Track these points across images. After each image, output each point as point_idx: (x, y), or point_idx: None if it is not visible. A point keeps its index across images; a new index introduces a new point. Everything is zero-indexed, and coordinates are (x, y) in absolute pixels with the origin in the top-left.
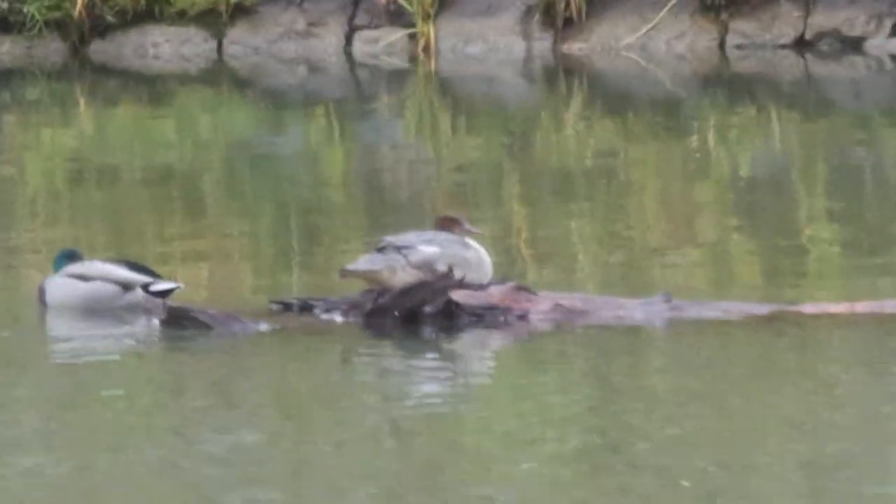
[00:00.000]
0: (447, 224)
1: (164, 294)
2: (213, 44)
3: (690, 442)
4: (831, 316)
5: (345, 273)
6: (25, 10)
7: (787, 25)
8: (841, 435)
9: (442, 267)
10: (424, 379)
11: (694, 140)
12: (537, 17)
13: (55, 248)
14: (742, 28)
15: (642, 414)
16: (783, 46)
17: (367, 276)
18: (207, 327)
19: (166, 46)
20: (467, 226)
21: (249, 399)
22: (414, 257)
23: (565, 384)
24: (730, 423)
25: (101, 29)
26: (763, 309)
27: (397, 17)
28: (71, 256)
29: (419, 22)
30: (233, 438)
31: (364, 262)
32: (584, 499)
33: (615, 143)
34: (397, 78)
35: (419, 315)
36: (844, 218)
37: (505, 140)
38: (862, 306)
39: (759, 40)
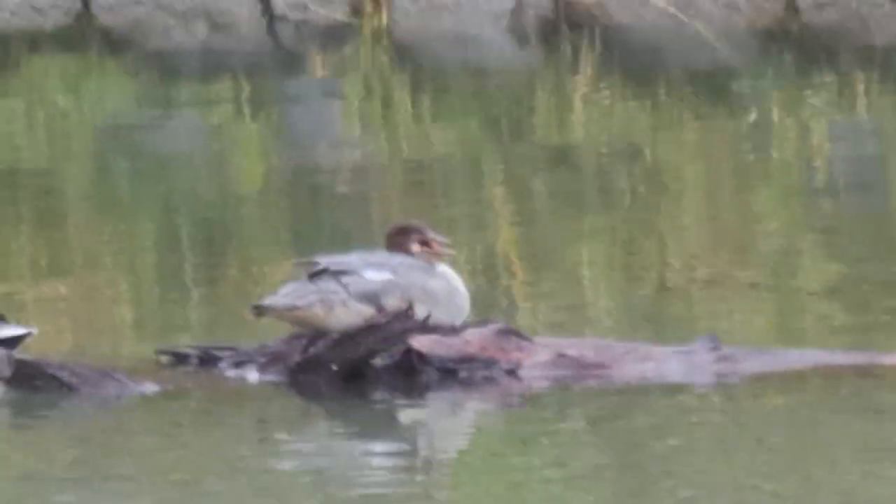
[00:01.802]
0: (402, 239)
1: (10, 343)
2: None
3: None
4: None
5: (260, 310)
6: None
7: None
8: None
9: (397, 301)
10: (373, 462)
11: (750, 124)
12: None
13: None
14: None
15: None
16: None
17: (293, 314)
18: (70, 388)
19: None
20: (431, 235)
21: (125, 490)
22: (358, 287)
23: (571, 470)
24: None
25: None
26: (846, 358)
27: None
28: None
29: None
30: None
31: (288, 294)
32: None
33: (640, 131)
34: (334, 38)
35: (366, 370)
36: None
37: (486, 126)
38: None
39: None
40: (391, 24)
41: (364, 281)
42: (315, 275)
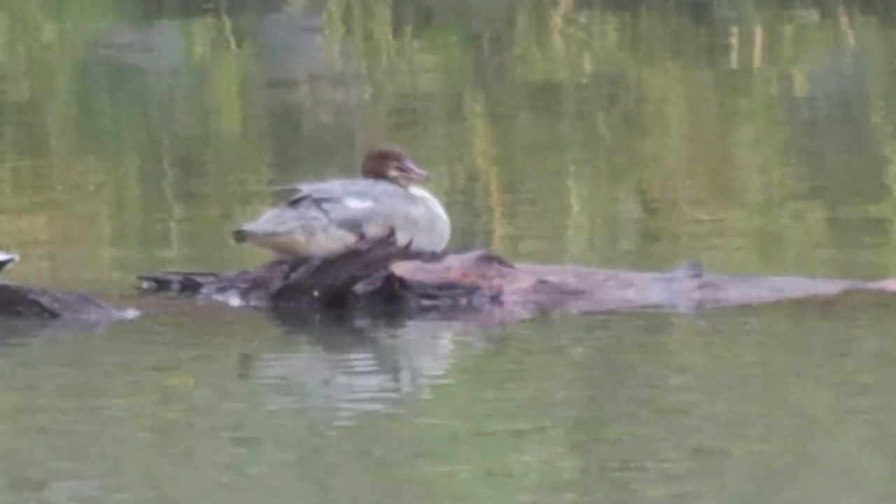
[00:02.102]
0: (380, 164)
1: None
2: None
3: (720, 474)
4: None
5: (242, 236)
6: None
7: None
8: None
9: (378, 229)
10: (353, 386)
11: (733, 54)
12: None
13: None
14: None
15: (655, 435)
16: None
17: (274, 240)
18: (52, 314)
19: None
20: (409, 164)
21: (110, 414)
22: (339, 214)
23: (551, 393)
24: (781, 443)
25: None
26: (829, 286)
27: None
28: None
29: None
30: (87, 471)
31: (269, 220)
32: None
33: (622, 57)
34: None
35: (347, 296)
36: None
37: (467, 49)
38: None
39: None
40: None
41: (346, 208)
42: (296, 202)
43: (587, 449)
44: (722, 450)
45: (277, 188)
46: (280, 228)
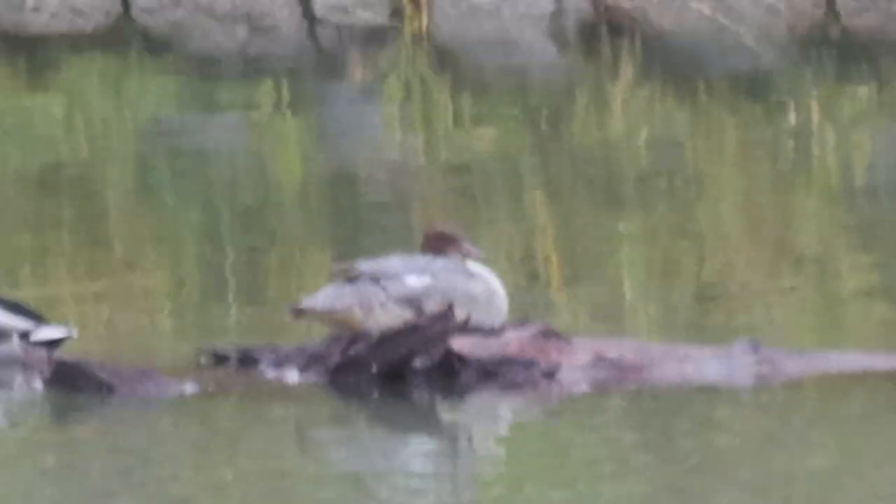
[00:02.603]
0: (439, 243)
1: (50, 344)
2: None
3: None
4: None
5: (300, 312)
6: None
7: None
8: None
9: (437, 305)
10: (413, 461)
11: (791, 128)
12: None
13: None
14: None
15: None
16: None
17: (332, 316)
18: (109, 389)
19: None
20: (466, 246)
21: (170, 491)
22: (397, 290)
23: (612, 470)
24: None
25: None
26: (887, 362)
27: None
28: None
29: None
30: None
31: (327, 296)
32: None
33: (681, 134)
34: (375, 40)
35: (406, 372)
36: None
37: (526, 130)
38: None
39: None
40: (432, 27)
41: (403, 284)
42: (354, 279)
43: None
44: None
45: (336, 266)
46: (338, 305)
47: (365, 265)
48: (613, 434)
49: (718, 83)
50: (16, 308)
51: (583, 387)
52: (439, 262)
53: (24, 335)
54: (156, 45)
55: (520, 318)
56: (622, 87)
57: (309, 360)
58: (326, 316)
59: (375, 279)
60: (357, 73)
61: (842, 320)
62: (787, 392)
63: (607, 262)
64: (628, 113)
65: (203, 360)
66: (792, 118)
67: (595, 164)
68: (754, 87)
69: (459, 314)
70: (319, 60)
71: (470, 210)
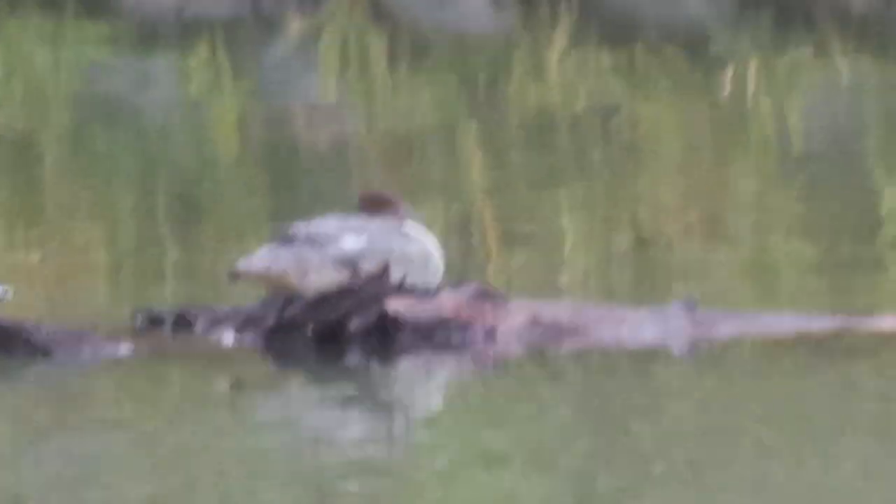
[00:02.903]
0: (375, 205)
1: None
2: None
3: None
4: None
5: (236, 274)
6: None
7: None
8: None
9: (373, 265)
10: (347, 423)
11: (728, 87)
12: None
13: None
14: None
15: (648, 479)
16: None
17: (268, 278)
18: (44, 352)
19: None
20: (401, 208)
21: (102, 454)
22: (333, 252)
23: (543, 433)
24: (773, 492)
25: None
26: (824, 323)
27: None
28: None
29: None
30: None
31: (263, 258)
32: None
33: (618, 91)
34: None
35: (342, 333)
36: None
37: (462, 85)
38: None
39: None
40: None
41: (340, 245)
42: (290, 240)
43: (578, 492)
44: (709, 495)
45: (273, 226)
46: (273, 267)
47: (301, 227)
48: (549, 395)
49: (656, 41)
50: None
51: (519, 348)
52: (375, 224)
53: None
54: (91, 5)
55: (456, 279)
56: (559, 44)
57: (245, 322)
58: (262, 278)
59: (311, 241)
60: (295, 25)
61: (778, 283)
62: (722, 353)
63: (544, 226)
64: (565, 74)
65: (139, 321)
66: (729, 75)
67: (532, 125)
68: (691, 44)
69: (395, 275)
70: (256, 12)
71: (406, 172)
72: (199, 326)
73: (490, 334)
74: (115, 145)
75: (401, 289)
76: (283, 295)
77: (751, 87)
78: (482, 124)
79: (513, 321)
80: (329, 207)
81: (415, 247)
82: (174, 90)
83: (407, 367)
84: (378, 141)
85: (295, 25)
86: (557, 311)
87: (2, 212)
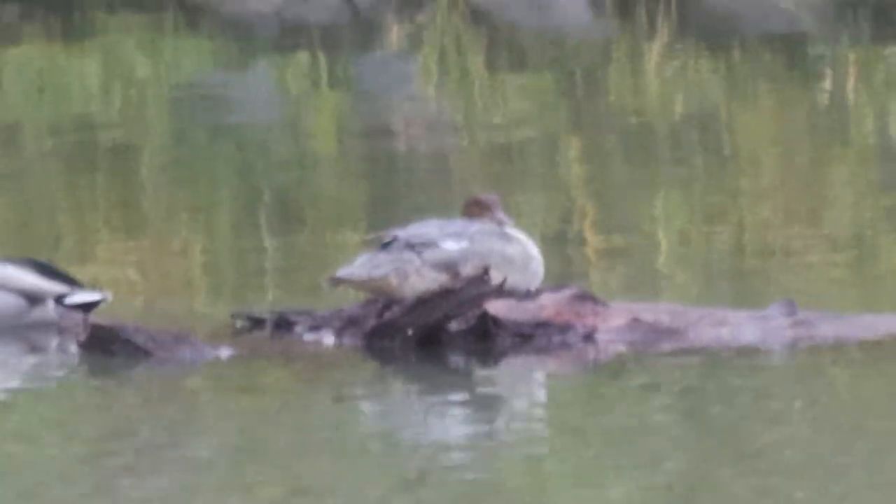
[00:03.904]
0: (475, 209)
1: (85, 308)
2: None
3: None
4: None
5: (336, 281)
6: None
7: None
8: None
9: (472, 268)
10: (449, 425)
11: (827, 90)
12: None
13: None
14: None
15: (753, 477)
16: None
17: (368, 284)
18: (145, 353)
19: None
20: (500, 215)
21: (205, 454)
22: (433, 256)
23: (646, 432)
24: (881, 491)
25: None
26: None
27: None
28: None
29: None
30: None
31: (363, 265)
32: None
33: (716, 95)
34: (411, 4)
35: (442, 335)
36: None
37: (562, 90)
38: None
39: None
40: None
41: (439, 249)
42: (389, 245)
43: (678, 492)
44: (809, 498)
45: (373, 235)
46: (374, 273)
47: (400, 231)
48: (649, 397)
49: (754, 44)
50: (50, 272)
51: (619, 350)
52: (475, 226)
53: (59, 299)
54: (191, 7)
55: (556, 282)
56: (657, 49)
57: (345, 324)
58: (363, 284)
59: (410, 245)
60: (393, 37)
61: (879, 283)
62: (824, 355)
63: (644, 229)
64: (663, 76)
65: (238, 324)
66: (827, 79)
67: (630, 126)
68: (790, 49)
69: (495, 277)
70: (355, 20)
71: (507, 175)
72: (299, 329)
73: (590, 336)
74: (214, 145)
75: (501, 291)
76: (382, 298)
77: (850, 87)
78: (581, 128)
79: (612, 323)
80: (428, 211)
81: (515, 248)
82: (273, 96)
83: (507, 369)
84: (477, 145)
85: (394, 30)
86: (657, 313)
87: (104, 217)
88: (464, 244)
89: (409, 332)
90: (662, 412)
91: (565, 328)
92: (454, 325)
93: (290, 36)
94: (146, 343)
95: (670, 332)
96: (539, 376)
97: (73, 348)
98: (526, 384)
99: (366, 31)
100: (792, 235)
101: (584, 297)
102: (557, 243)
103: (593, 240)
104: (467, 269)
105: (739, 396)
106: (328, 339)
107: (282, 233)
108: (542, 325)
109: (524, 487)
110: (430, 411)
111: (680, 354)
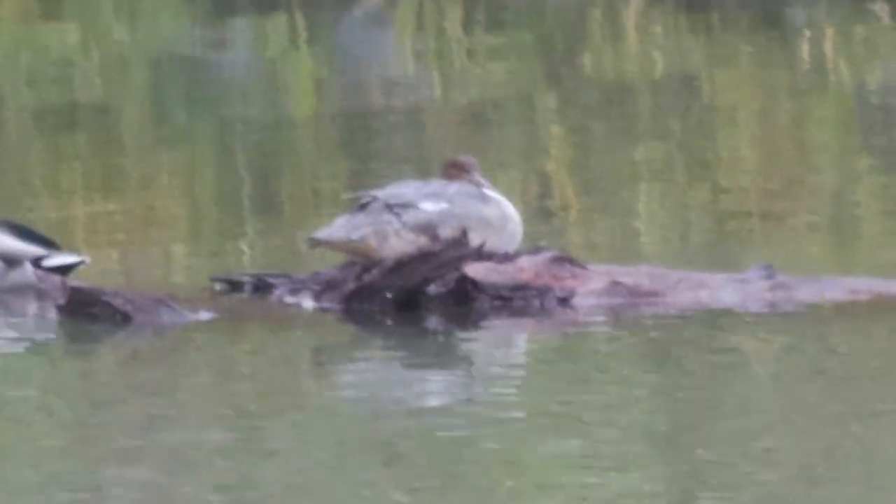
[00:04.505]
0: (454, 171)
1: (63, 270)
2: None
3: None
4: None
5: (315, 242)
6: None
7: None
8: None
9: (451, 230)
10: (427, 388)
11: (805, 54)
12: None
13: None
14: None
15: (731, 440)
16: None
17: (348, 245)
18: (124, 316)
19: None
20: (478, 177)
21: (185, 416)
22: (411, 218)
23: (624, 396)
24: (855, 454)
25: None
26: None
27: None
28: None
29: None
30: (162, 472)
31: (342, 226)
32: None
33: (695, 57)
34: None
35: (420, 298)
36: None
37: (540, 51)
38: None
39: None
40: None
41: (418, 211)
42: (368, 207)
43: (660, 460)
44: (785, 460)
45: (348, 195)
46: (353, 235)
47: (378, 192)
48: (628, 360)
49: (732, 8)
50: (27, 234)
51: (597, 313)
52: (454, 188)
53: (37, 261)
54: None
55: (534, 244)
56: (635, 9)
57: (324, 287)
58: (342, 245)
59: (389, 206)
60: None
61: (857, 247)
62: (800, 317)
63: (622, 191)
64: (640, 38)
65: (218, 287)
66: (806, 46)
67: (608, 91)
68: (768, 13)
69: (474, 240)
70: None
71: (484, 135)
72: (279, 292)
73: (568, 299)
74: (192, 113)
75: (479, 253)
76: (361, 261)
77: (829, 48)
78: (559, 89)
79: (591, 286)
80: (405, 173)
81: (493, 210)
82: (251, 55)
83: (485, 332)
84: (454, 104)
85: None
86: (636, 275)
87: (81, 180)
88: (442, 205)
89: (388, 295)
90: (641, 375)
91: (544, 291)
92: (433, 288)
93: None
94: (125, 306)
95: (649, 295)
96: (517, 339)
97: (52, 312)
98: (503, 348)
99: None
100: (771, 198)
101: (563, 260)
102: (535, 205)
103: (572, 201)
104: (446, 231)
105: (717, 359)
106: (307, 302)
107: (260, 195)
108: (521, 288)
109: (502, 450)
110: (408, 375)
111: (658, 317)
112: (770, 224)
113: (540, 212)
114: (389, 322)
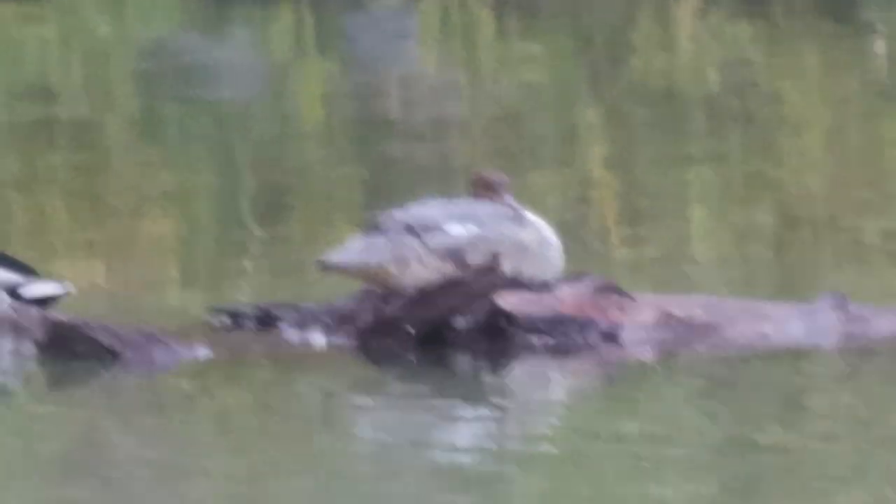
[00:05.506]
0: (483, 189)
1: (43, 302)
2: None
3: None
4: None
5: (326, 267)
6: None
7: None
8: None
9: (481, 256)
10: (455, 440)
11: (881, 53)
12: None
13: None
14: None
15: (807, 498)
16: None
17: (363, 271)
18: (112, 354)
19: None
20: (508, 198)
21: (178, 472)
22: (436, 241)
23: (675, 451)
24: None
25: None
26: None
27: None
28: None
29: None
30: None
31: (357, 249)
32: None
33: (755, 59)
34: None
35: (447, 333)
36: None
37: (580, 53)
38: None
39: None
40: None
41: (443, 234)
42: (386, 229)
43: None
44: None
45: (364, 216)
46: (370, 259)
47: (399, 213)
48: (682, 404)
49: (798, 4)
50: (3, 260)
51: (647, 350)
52: (484, 208)
53: (13, 291)
54: None
55: (575, 271)
56: (688, 5)
57: (337, 321)
58: (357, 272)
59: (410, 228)
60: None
61: None
62: (878, 353)
63: (674, 211)
64: (695, 36)
65: (217, 321)
66: (877, 36)
67: (659, 93)
68: (837, 8)
69: (507, 267)
70: None
71: (518, 149)
72: (285, 325)
73: (614, 333)
74: (187, 117)
75: (514, 282)
76: (379, 290)
77: None
78: (602, 97)
79: (640, 318)
80: (428, 190)
81: (530, 235)
82: (255, 60)
83: (520, 372)
84: (483, 115)
85: None
86: (690, 306)
87: (63, 196)
88: (471, 228)
89: (411, 329)
90: (697, 420)
91: (586, 325)
92: (460, 322)
93: None
94: (113, 343)
95: (705, 329)
96: (556, 380)
97: (30, 349)
98: (540, 390)
99: None
100: (842, 216)
101: (608, 289)
102: (576, 228)
103: (617, 224)
104: (476, 257)
105: (786, 402)
106: (318, 337)
107: (265, 216)
108: (561, 322)
109: None
110: (433, 422)
111: (716, 355)
112: (840, 249)
113: (581, 236)
114: (412, 360)
